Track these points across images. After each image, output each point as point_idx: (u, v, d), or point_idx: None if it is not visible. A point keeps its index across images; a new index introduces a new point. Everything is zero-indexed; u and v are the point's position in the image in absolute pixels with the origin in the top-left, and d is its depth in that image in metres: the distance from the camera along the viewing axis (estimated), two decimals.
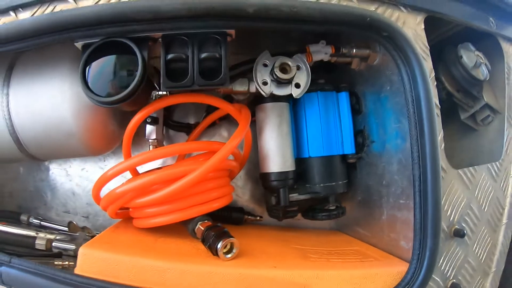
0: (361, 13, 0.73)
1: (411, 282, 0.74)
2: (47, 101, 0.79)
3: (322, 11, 0.70)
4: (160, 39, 0.73)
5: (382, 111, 0.86)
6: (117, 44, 0.70)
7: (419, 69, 0.75)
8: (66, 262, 0.80)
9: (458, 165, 0.82)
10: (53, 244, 0.82)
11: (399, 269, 0.75)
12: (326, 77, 0.95)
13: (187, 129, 1.02)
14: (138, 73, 0.70)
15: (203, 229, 0.74)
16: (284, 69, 0.79)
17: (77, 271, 0.66)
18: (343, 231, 1.04)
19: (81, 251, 0.67)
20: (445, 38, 0.99)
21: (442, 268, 0.78)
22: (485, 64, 0.91)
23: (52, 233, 0.85)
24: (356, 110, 0.94)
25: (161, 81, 0.71)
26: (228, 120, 1.06)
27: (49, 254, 0.84)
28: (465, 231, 0.79)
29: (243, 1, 0.67)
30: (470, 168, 0.84)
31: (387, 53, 0.79)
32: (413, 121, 0.75)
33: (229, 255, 0.70)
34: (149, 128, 0.89)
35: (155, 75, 0.80)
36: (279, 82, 0.79)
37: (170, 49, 0.72)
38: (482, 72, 0.91)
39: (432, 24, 0.88)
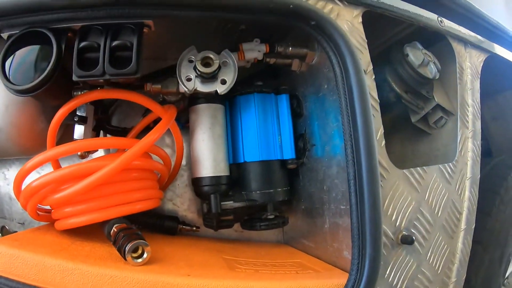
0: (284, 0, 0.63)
1: None
2: None
3: None
4: None
5: (322, 111, 0.76)
6: (38, 35, 0.64)
7: (351, 59, 0.65)
8: None
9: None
10: None
11: (338, 281, 0.62)
12: (271, 82, 0.84)
13: (124, 133, 0.90)
14: (52, 61, 0.62)
15: (116, 231, 0.63)
16: (207, 63, 0.68)
17: None
18: (290, 244, 0.91)
19: None
20: (395, 42, 0.89)
21: (390, 279, 0.65)
22: (434, 63, 0.81)
23: None
24: (297, 114, 0.83)
25: (73, 70, 0.63)
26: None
27: None
28: (413, 238, 0.66)
29: None
30: (418, 168, 0.73)
31: (323, 49, 0.69)
32: (346, 115, 0.64)
33: (139, 260, 0.58)
34: (78, 128, 0.77)
35: None
36: (203, 78, 0.68)
37: (85, 38, 0.64)
38: (431, 70, 0.81)
39: (381, 26, 0.80)
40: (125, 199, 0.68)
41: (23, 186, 0.69)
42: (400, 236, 0.67)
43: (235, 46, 0.77)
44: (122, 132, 0.90)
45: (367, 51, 0.69)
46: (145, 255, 0.59)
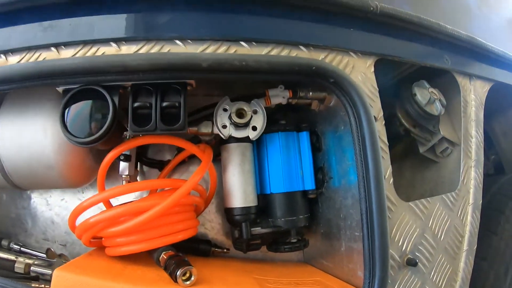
0: (307, 62, 0.85)
1: None
2: (31, 136, 0.93)
3: (270, 63, 0.83)
4: (129, 88, 0.86)
5: (339, 149, 0.98)
6: (92, 91, 0.85)
7: (364, 111, 0.86)
8: (42, 285, 0.90)
9: (420, 195, 0.93)
10: (31, 268, 0.94)
11: None
12: (290, 117, 1.08)
13: (160, 165, 1.15)
14: (109, 117, 0.84)
15: (165, 258, 0.86)
16: (241, 113, 0.91)
17: None
18: (310, 263, 1.16)
19: (55, 273, 0.77)
20: (403, 77, 1.11)
21: None
22: (439, 100, 1.03)
23: (30, 258, 0.98)
24: (316, 148, 1.07)
25: (128, 126, 0.85)
26: (198, 158, 1.17)
27: (27, 277, 0.95)
28: (417, 260, 0.89)
29: (197, 56, 0.81)
30: (423, 200, 0.94)
31: (340, 101, 0.91)
32: (359, 159, 0.86)
33: (187, 282, 0.80)
34: (122, 165, 1.02)
35: (126, 118, 0.93)
36: (237, 126, 0.91)
37: (137, 97, 0.86)
38: (436, 108, 1.02)
39: (388, 66, 1.01)
40: (169, 230, 0.91)
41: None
42: (405, 259, 0.89)
43: (259, 88, 1.00)
44: (157, 164, 1.14)
45: (378, 99, 0.91)
46: (192, 278, 0.81)
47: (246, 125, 0.92)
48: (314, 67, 0.85)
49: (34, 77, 0.83)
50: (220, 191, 1.11)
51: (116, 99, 0.86)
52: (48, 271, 0.93)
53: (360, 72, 0.91)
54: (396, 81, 1.10)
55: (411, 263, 0.89)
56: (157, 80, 0.86)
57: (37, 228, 1.23)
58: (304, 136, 1.06)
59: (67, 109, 0.86)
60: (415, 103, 1.03)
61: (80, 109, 0.88)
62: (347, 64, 0.90)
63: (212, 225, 1.20)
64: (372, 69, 0.93)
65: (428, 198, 0.96)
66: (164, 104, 0.85)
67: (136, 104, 0.85)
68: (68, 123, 0.86)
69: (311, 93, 0.98)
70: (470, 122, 1.08)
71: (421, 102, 1.02)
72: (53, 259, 1.05)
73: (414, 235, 0.92)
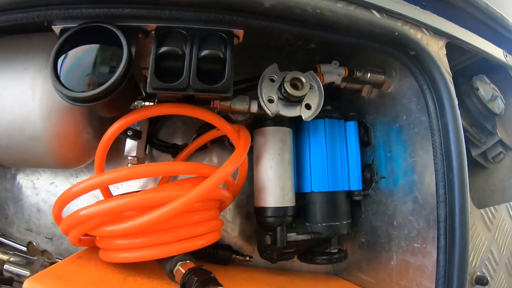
0: (390, 26, 0.66)
1: None
2: (15, 96, 0.68)
3: (349, 18, 0.62)
4: (153, 32, 0.61)
5: (395, 143, 0.77)
6: (101, 32, 0.58)
7: (447, 94, 0.67)
8: None
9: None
10: (5, 266, 0.74)
11: None
12: (333, 105, 0.84)
13: (173, 150, 0.88)
14: (121, 67, 0.57)
15: (184, 271, 0.59)
16: (295, 85, 0.67)
17: None
18: (341, 275, 0.93)
19: (26, 285, 0.53)
20: (457, 71, 0.93)
21: None
22: (501, 98, 0.85)
23: (6, 253, 0.77)
24: (364, 142, 0.85)
25: (148, 80, 0.58)
26: (220, 144, 0.94)
27: None
28: (488, 279, 0.70)
29: None
30: (491, 208, 0.78)
31: (405, 79, 0.73)
32: (439, 153, 0.66)
33: None
34: (129, 143, 0.75)
35: (143, 78, 0.66)
36: (288, 100, 0.68)
37: (164, 42, 0.60)
38: (498, 106, 0.86)
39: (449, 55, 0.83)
40: (187, 233, 0.65)
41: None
42: (474, 277, 0.71)
43: (303, 65, 0.78)
44: (171, 148, 0.87)
45: (453, 85, 0.71)
46: None
47: (300, 100, 0.68)
48: (396, 33, 0.65)
49: (24, 5, 0.57)
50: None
51: (133, 47, 0.59)
52: (26, 272, 0.72)
53: (434, 52, 0.71)
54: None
55: (482, 282, 0.71)
56: (195, 25, 0.60)
57: (20, 216, 0.95)
58: (352, 126, 0.83)
59: (63, 55, 0.59)
60: (476, 99, 0.86)
61: (79, 57, 0.60)
62: (421, 40, 0.70)
63: (232, 227, 0.95)
64: (444, 51, 0.75)
65: (495, 206, 0.78)
66: (204, 53, 0.59)
67: (162, 50, 0.59)
68: (62, 74, 0.59)
69: (369, 74, 0.77)
70: None
71: (484, 98, 0.85)
72: (34, 256, 0.78)
73: (483, 249, 0.74)
